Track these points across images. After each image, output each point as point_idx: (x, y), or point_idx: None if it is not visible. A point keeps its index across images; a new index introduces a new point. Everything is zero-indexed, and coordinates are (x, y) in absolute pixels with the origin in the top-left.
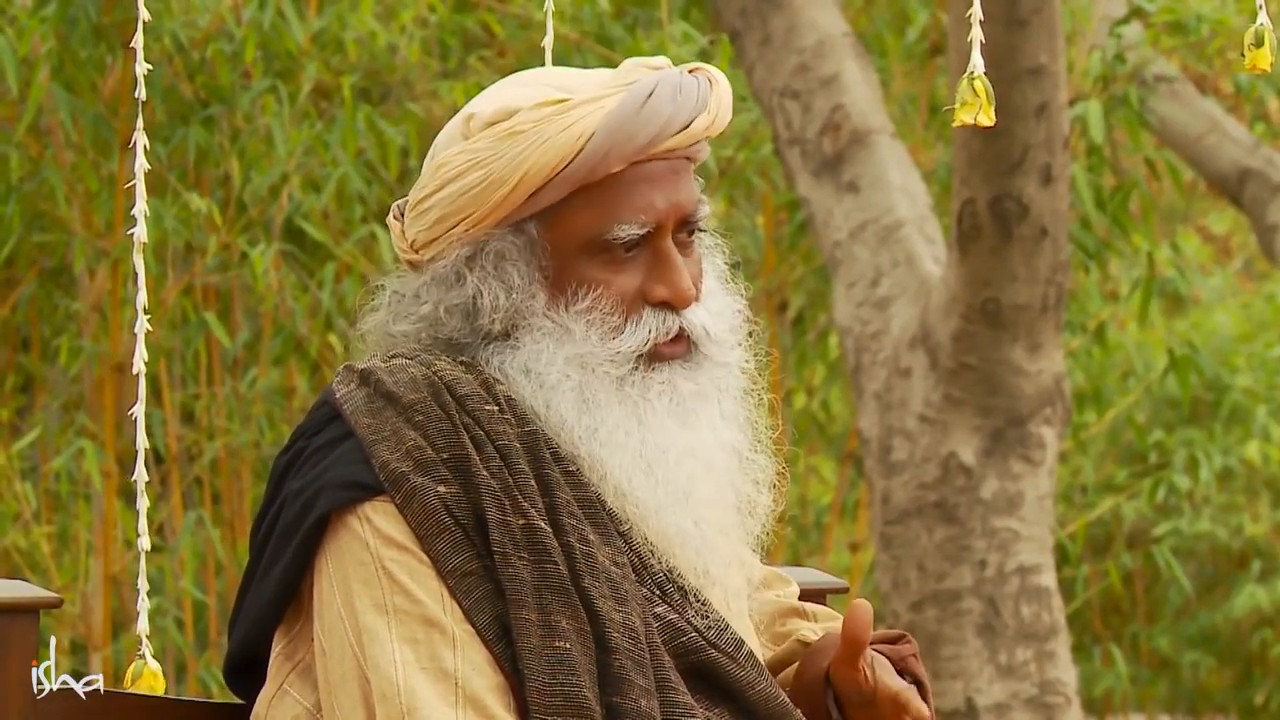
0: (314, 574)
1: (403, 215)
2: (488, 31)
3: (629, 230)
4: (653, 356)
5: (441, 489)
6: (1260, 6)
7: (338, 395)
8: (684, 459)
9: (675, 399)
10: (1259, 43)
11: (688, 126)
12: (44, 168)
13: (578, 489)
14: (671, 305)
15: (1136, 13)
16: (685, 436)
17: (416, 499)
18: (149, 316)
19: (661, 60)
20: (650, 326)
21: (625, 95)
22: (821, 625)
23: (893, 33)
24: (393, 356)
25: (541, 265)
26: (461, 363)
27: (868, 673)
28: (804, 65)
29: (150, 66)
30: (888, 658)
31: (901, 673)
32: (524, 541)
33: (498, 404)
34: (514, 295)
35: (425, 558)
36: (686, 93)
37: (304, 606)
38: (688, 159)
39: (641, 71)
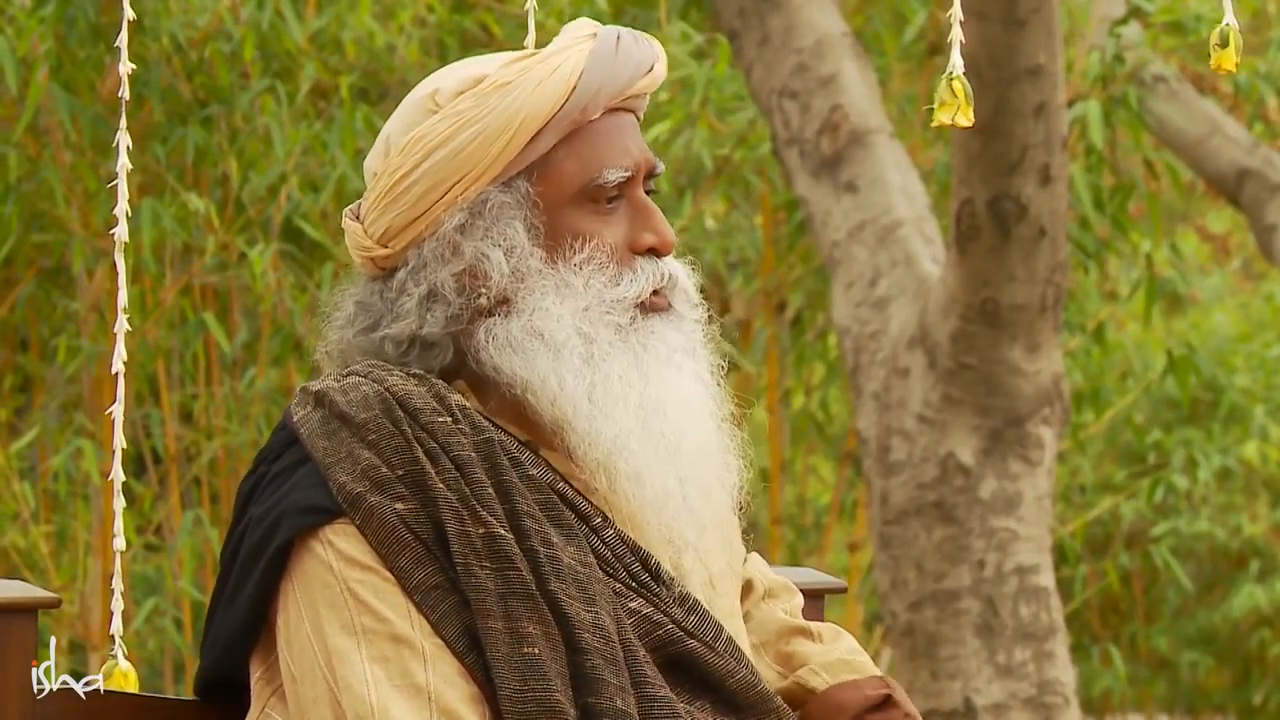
0: (280, 600)
1: (359, 217)
2: (486, 31)
3: (617, 174)
4: (646, 308)
5: (399, 506)
6: (1227, 6)
7: (295, 419)
8: (678, 409)
9: (668, 349)
10: (1224, 43)
11: (650, 70)
12: (42, 168)
13: (538, 492)
14: (658, 251)
15: (1135, 13)
16: (681, 386)
17: (375, 518)
18: (139, 317)
19: (593, 22)
20: (647, 273)
21: (598, 40)
22: (821, 658)
23: (891, 32)
24: (347, 375)
25: (534, 222)
26: (413, 375)
27: None
28: (802, 65)
29: (134, 66)
30: None
31: None
32: (485, 551)
33: (451, 415)
34: (514, 255)
35: (389, 576)
36: (640, 41)
37: (276, 632)
38: (636, 116)
39: (587, 28)
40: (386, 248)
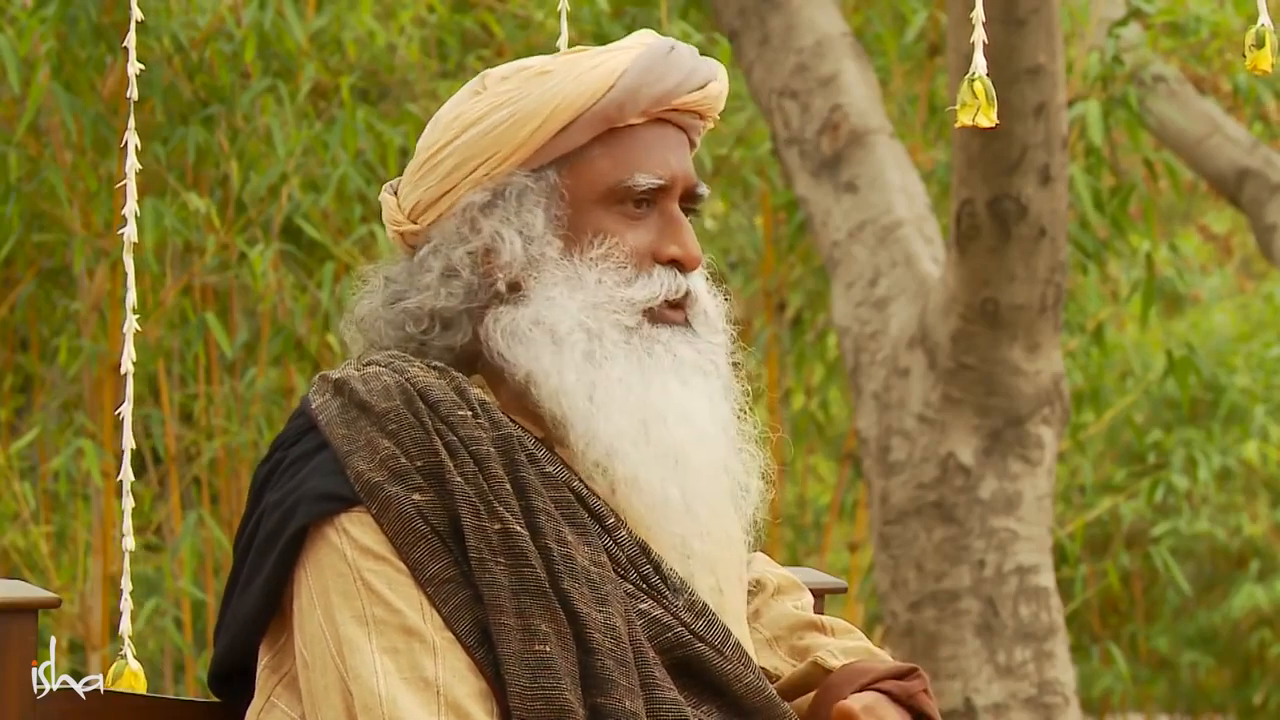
0: (294, 586)
1: (396, 192)
2: (486, 31)
3: (648, 180)
4: (656, 317)
5: (417, 497)
6: (1261, 7)
7: (313, 406)
8: (680, 423)
9: (674, 361)
10: (1260, 43)
11: (703, 86)
12: (43, 167)
13: (554, 490)
14: (680, 265)
15: (1135, 14)
16: (684, 398)
17: (392, 508)
18: (139, 316)
19: (654, 33)
20: (662, 281)
21: (650, 44)
22: (838, 644)
23: (891, 32)
24: (367, 364)
25: (557, 214)
26: (434, 368)
27: None
28: (803, 65)
29: (142, 66)
30: (895, 695)
31: (910, 710)
32: (500, 546)
33: (471, 409)
34: (531, 243)
35: (403, 566)
36: (701, 58)
37: (287, 618)
38: (690, 139)
39: (647, 36)
40: (415, 223)
